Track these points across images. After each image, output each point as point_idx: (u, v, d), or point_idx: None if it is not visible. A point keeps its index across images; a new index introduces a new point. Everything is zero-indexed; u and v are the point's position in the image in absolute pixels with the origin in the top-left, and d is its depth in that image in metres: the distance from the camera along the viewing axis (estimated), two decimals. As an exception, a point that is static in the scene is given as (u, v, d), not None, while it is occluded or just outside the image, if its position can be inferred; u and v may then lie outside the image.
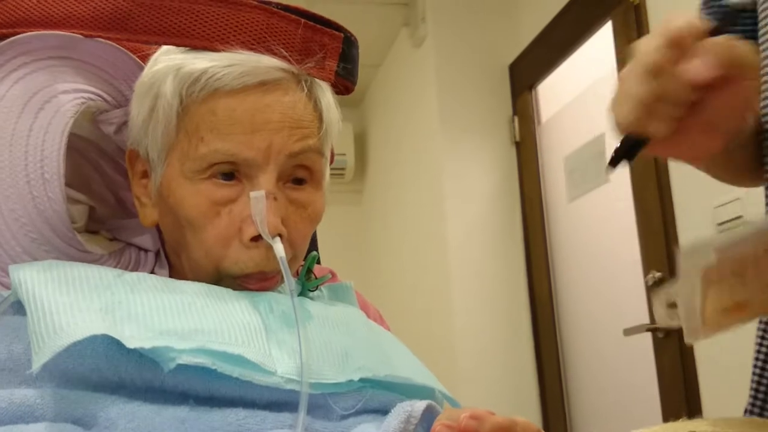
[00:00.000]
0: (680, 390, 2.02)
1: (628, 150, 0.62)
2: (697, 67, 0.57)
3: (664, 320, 0.58)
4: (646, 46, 0.60)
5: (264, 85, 0.68)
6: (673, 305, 0.57)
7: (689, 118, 0.60)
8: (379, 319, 0.87)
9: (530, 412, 2.74)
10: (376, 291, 3.68)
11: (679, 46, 0.58)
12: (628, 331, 2.20)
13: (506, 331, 2.85)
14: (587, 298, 2.57)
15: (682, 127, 0.61)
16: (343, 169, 3.95)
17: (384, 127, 3.87)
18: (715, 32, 0.59)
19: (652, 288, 2.14)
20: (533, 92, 2.92)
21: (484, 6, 3.08)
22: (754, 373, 0.80)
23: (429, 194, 3.12)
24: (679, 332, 2.04)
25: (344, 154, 3.91)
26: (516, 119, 2.98)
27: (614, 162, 0.63)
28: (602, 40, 2.43)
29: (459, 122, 2.99)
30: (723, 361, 1.87)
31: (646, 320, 2.16)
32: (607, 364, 2.46)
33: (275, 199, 0.68)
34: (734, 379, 1.82)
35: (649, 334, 2.15)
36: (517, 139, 2.97)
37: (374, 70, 3.85)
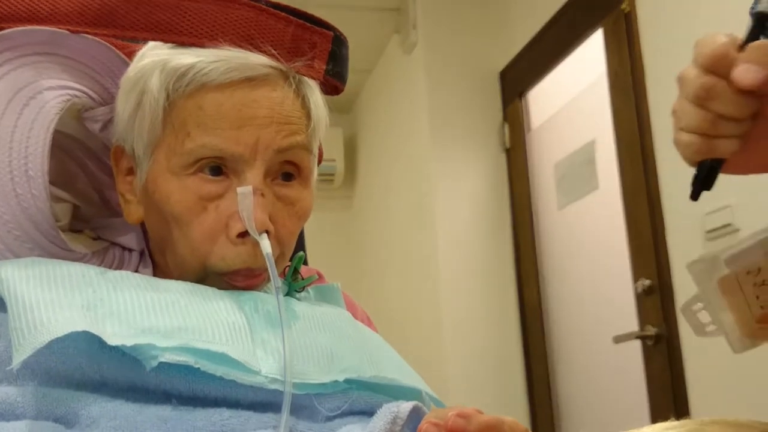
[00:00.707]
0: (669, 397, 2.01)
1: (705, 178, 0.62)
2: (742, 73, 0.57)
3: (701, 333, 0.59)
4: (689, 76, 0.60)
5: (251, 81, 0.68)
6: (706, 319, 0.58)
7: (756, 130, 0.60)
8: (367, 321, 0.86)
9: (519, 419, 2.73)
10: (365, 296, 3.67)
11: (720, 65, 0.58)
12: (618, 339, 2.20)
13: (496, 338, 2.84)
14: (577, 305, 2.57)
15: (751, 140, 0.61)
16: (332, 174, 3.95)
17: (374, 132, 3.87)
18: (749, 41, 0.59)
19: (641, 295, 2.14)
20: (523, 99, 2.93)
21: (475, 13, 3.09)
22: None
23: (419, 200, 3.12)
24: (668, 339, 2.05)
25: (334, 160, 3.91)
26: (506, 126, 2.99)
27: (695, 194, 0.62)
28: (593, 47, 2.43)
29: (449, 128, 3.00)
30: (712, 369, 1.87)
31: (636, 327, 2.17)
32: (597, 371, 2.46)
33: (263, 195, 0.67)
34: (723, 386, 1.82)
35: (638, 342, 2.15)
36: (507, 145, 2.97)
37: (365, 76, 3.86)
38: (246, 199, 0.66)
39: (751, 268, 0.53)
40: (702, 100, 0.59)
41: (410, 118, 3.23)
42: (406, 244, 3.31)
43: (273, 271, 0.64)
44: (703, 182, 0.62)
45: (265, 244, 0.65)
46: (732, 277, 0.54)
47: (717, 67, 0.59)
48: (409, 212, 3.25)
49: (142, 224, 0.76)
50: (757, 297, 0.55)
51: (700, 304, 0.58)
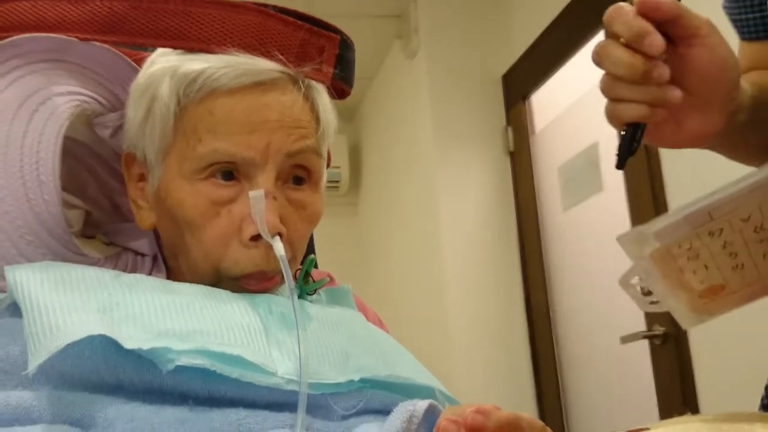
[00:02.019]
0: (678, 396, 2.01)
1: (627, 145, 0.62)
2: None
3: (645, 307, 0.58)
4: None
5: (261, 85, 0.68)
6: (647, 291, 0.57)
7: (681, 102, 0.61)
8: (378, 323, 0.86)
9: (528, 423, 2.72)
10: (372, 302, 3.64)
11: (611, 22, 0.60)
12: (625, 339, 2.19)
13: (503, 340, 2.84)
14: (583, 307, 2.57)
15: (676, 112, 0.62)
16: (337, 181, 3.95)
17: (378, 139, 3.87)
18: None
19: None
20: (527, 102, 2.93)
21: (477, 17, 3.09)
22: None
23: (424, 205, 3.12)
24: (675, 339, 2.04)
25: (339, 167, 3.90)
26: (510, 129, 2.99)
27: (620, 161, 0.63)
28: (595, 49, 2.43)
29: (453, 133, 2.99)
30: (721, 367, 1.87)
31: (643, 327, 2.16)
32: (605, 371, 2.45)
33: (274, 198, 0.67)
34: (732, 385, 1.82)
35: (646, 341, 2.15)
36: (511, 149, 2.97)
37: (368, 83, 3.86)
38: (258, 202, 0.66)
39: (682, 242, 0.52)
40: (597, 62, 0.61)
41: (414, 123, 3.23)
42: (412, 250, 3.31)
43: (287, 273, 0.64)
44: (626, 148, 0.62)
45: (279, 247, 0.65)
46: (664, 250, 0.53)
47: (609, 25, 0.60)
48: (415, 217, 3.25)
49: (155, 229, 0.76)
50: (694, 272, 0.54)
51: (637, 278, 0.56)
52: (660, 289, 0.56)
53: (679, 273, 0.54)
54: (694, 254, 0.53)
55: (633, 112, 0.61)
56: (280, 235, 0.67)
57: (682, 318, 0.59)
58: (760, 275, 0.56)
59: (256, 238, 0.67)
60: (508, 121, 3.00)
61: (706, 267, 0.54)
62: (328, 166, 0.83)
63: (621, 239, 0.53)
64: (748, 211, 0.51)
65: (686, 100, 0.62)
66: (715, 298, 0.57)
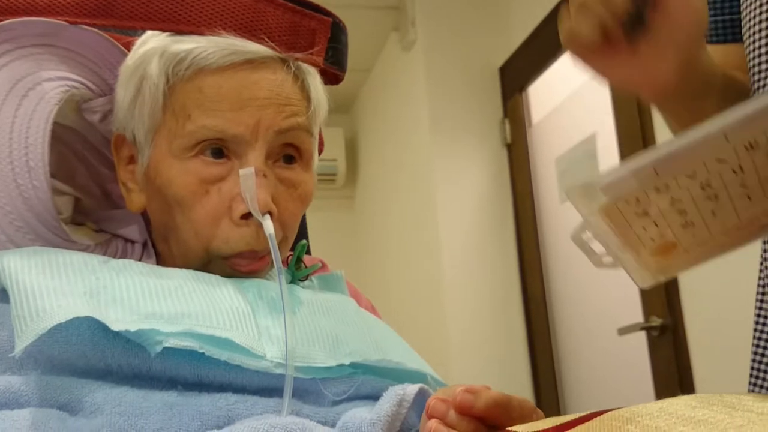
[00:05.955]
0: (675, 388, 2.01)
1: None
2: None
3: (598, 264, 0.57)
4: None
5: (251, 63, 0.68)
6: (599, 248, 0.56)
7: (640, 36, 0.62)
8: (371, 309, 0.86)
9: (525, 415, 2.72)
10: (369, 296, 3.64)
11: None
12: (623, 330, 2.19)
13: (500, 334, 2.84)
14: (581, 298, 2.57)
15: (633, 46, 0.62)
16: (334, 174, 3.93)
17: (375, 131, 3.86)
18: None
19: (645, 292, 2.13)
20: (524, 94, 2.92)
21: (474, 9, 3.08)
22: (756, 346, 0.80)
23: (421, 198, 3.12)
24: (673, 330, 2.04)
25: (335, 160, 3.89)
26: (507, 121, 2.98)
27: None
28: (592, 40, 2.43)
29: (450, 125, 2.99)
30: (718, 359, 1.87)
31: (641, 319, 2.16)
32: (602, 363, 2.45)
33: (265, 176, 0.67)
34: (730, 377, 1.82)
35: (643, 333, 2.15)
36: (509, 141, 2.97)
37: (364, 75, 3.85)
38: (248, 180, 0.65)
39: (629, 197, 0.51)
40: None
41: (411, 115, 3.23)
42: (409, 243, 3.30)
43: (275, 250, 0.64)
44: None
45: (268, 225, 0.65)
46: (612, 206, 0.51)
47: None
48: (412, 210, 3.25)
49: (145, 216, 0.76)
50: (644, 228, 0.53)
51: (589, 233, 0.55)
52: (612, 246, 0.54)
53: (629, 230, 0.53)
54: (643, 211, 0.51)
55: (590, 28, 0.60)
56: (270, 213, 0.66)
57: (636, 277, 0.58)
58: (711, 234, 0.54)
59: (247, 216, 0.67)
60: (505, 113, 3.00)
61: (656, 224, 0.52)
62: (320, 151, 0.83)
63: (569, 192, 0.51)
64: (692, 168, 0.49)
65: (648, 40, 0.62)
66: (668, 257, 0.56)
